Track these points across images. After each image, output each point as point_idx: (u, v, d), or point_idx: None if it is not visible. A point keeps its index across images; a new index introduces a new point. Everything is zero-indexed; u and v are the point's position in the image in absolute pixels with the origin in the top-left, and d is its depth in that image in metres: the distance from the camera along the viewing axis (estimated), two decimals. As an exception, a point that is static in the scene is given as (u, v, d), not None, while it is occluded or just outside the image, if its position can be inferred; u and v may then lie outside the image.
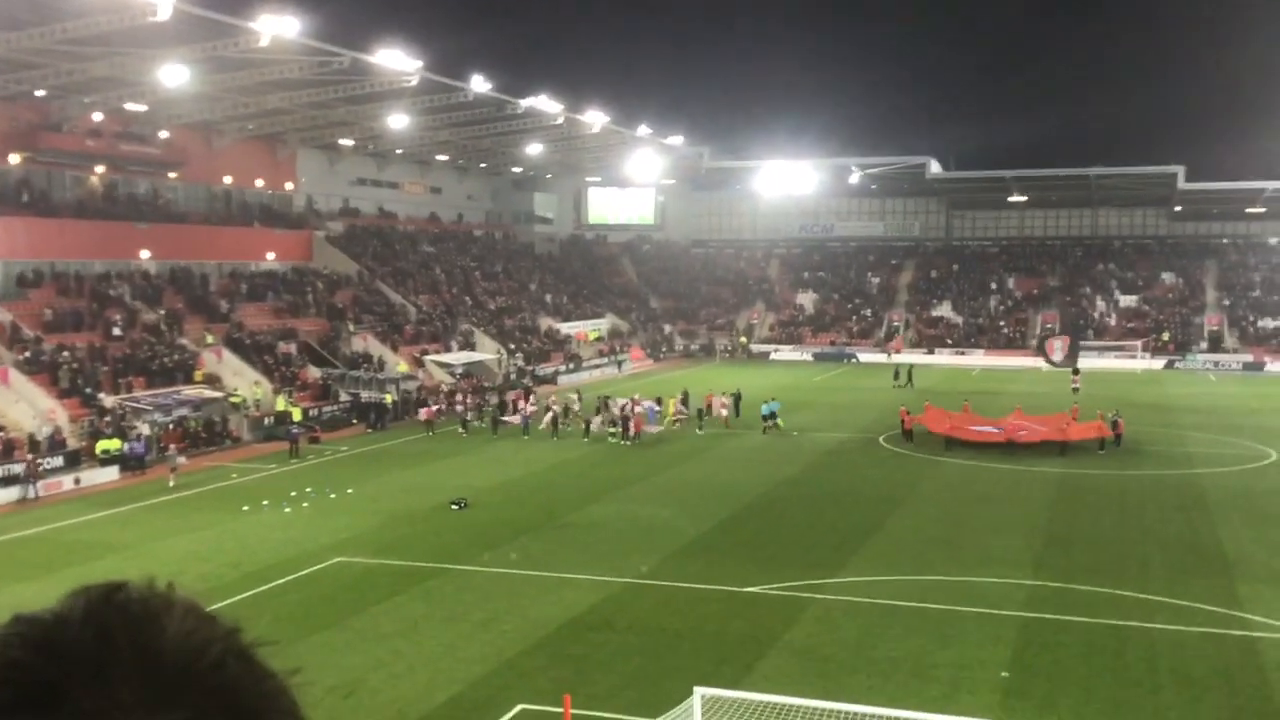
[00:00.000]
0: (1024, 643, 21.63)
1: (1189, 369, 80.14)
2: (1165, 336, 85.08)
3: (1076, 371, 67.10)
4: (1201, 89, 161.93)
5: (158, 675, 1.15)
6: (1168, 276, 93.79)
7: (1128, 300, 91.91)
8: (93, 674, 1.13)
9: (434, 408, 53.11)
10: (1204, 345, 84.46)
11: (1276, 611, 23.33)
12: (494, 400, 56.24)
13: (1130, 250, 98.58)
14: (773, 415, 49.34)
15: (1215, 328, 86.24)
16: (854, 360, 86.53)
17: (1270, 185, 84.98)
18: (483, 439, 49.02)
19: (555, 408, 50.61)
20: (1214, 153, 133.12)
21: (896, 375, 68.30)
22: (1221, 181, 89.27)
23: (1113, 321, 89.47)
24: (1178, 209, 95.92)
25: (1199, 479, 38.56)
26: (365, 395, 55.59)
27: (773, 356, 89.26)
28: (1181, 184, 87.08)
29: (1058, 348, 73.68)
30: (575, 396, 54.32)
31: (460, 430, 50.64)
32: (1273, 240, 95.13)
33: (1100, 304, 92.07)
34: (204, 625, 1.22)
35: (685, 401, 52.54)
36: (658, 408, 51.33)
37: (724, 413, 51.35)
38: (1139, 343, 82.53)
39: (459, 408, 53.19)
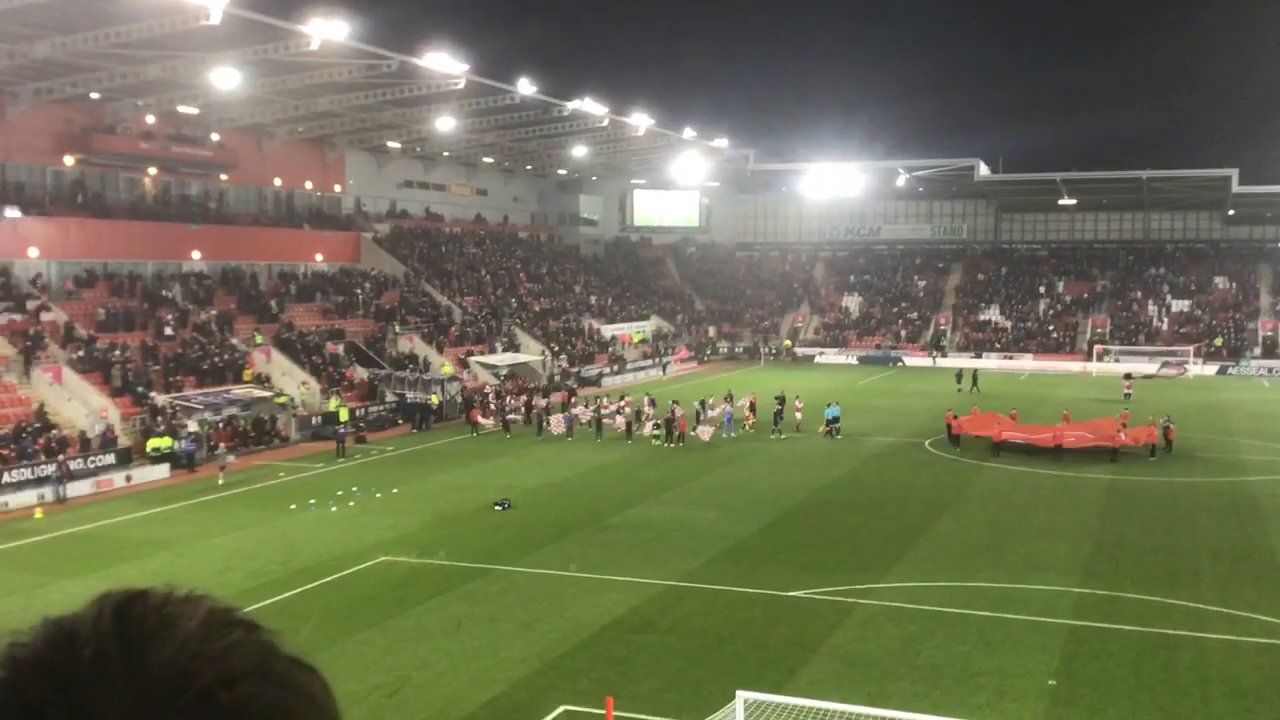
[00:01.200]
0: (1071, 651, 21.35)
1: (1242, 375, 78.88)
2: (1218, 342, 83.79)
3: (1129, 377, 66.11)
4: (1256, 91, 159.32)
5: (145, 702, 1.13)
6: (1221, 281, 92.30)
7: (1180, 305, 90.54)
8: (76, 701, 1.12)
9: (505, 413, 53.06)
10: (1258, 351, 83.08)
11: (1332, 622, 22.89)
12: (545, 403, 56.19)
13: (1182, 254, 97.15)
14: (835, 419, 49.11)
15: (1269, 333, 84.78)
16: (900, 364, 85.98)
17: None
18: (527, 440, 49.18)
19: (626, 410, 50.26)
20: (1269, 155, 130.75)
21: (959, 378, 67.05)
22: (1277, 185, 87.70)
23: (1164, 326, 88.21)
24: (1231, 212, 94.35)
25: (1251, 486, 37.92)
26: (411, 396, 56.02)
27: (817, 360, 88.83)
28: (1235, 187, 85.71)
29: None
30: (647, 398, 54.01)
31: (504, 431, 50.97)
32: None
33: (1152, 308, 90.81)
34: (214, 641, 1.18)
35: (753, 406, 51.94)
36: (732, 409, 51.06)
37: (797, 415, 50.78)
38: (1191, 348, 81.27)
39: (512, 414, 53.04)
